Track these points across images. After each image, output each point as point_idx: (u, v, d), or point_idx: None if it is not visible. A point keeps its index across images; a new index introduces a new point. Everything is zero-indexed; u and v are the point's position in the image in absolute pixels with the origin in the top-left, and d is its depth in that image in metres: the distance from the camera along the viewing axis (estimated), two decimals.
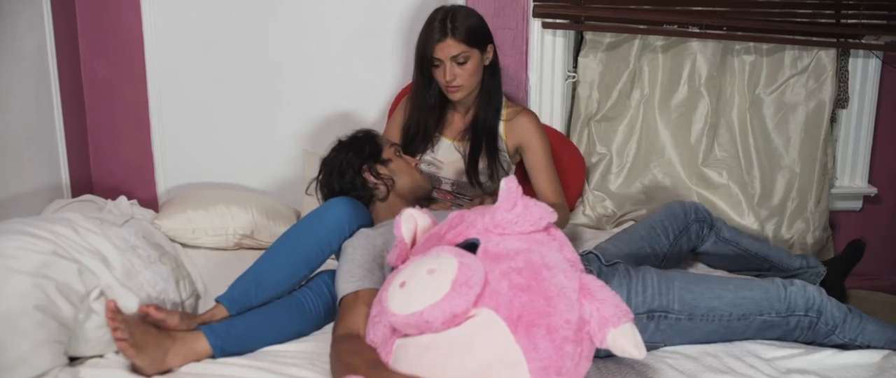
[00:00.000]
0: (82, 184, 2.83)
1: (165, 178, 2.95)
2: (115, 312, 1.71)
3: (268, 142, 2.95)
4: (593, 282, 1.50)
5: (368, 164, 2.27)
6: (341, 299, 1.80)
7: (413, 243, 1.69)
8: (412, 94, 2.54)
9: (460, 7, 2.47)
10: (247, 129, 2.94)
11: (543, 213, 1.56)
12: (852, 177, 3.18)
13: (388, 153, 2.31)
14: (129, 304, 1.77)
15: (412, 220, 1.69)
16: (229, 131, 2.93)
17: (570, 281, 1.48)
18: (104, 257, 1.80)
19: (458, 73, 2.37)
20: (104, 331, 1.74)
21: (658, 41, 2.94)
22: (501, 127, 2.54)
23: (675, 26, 2.90)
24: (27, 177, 2.44)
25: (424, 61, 2.41)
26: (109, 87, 2.88)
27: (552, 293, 1.44)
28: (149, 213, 2.68)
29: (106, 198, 2.68)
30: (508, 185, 1.55)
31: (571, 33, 2.97)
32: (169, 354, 1.75)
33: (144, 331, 1.74)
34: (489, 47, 2.44)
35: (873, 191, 3.15)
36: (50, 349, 1.62)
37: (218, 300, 1.93)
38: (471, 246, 1.55)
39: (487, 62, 2.45)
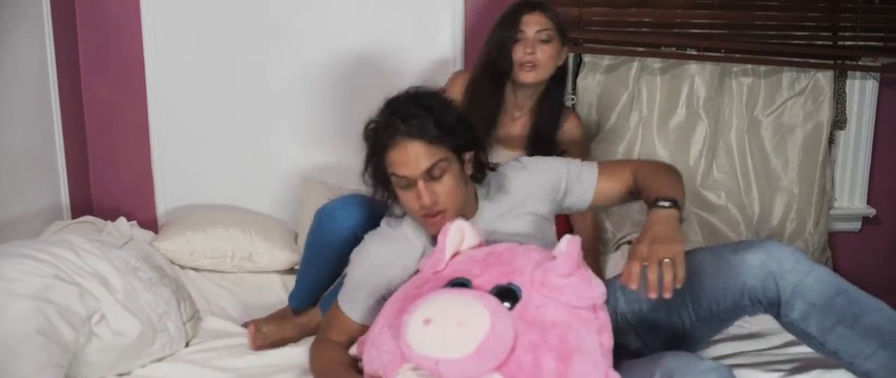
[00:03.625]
0: (82, 205, 2.82)
1: (165, 200, 2.95)
2: (256, 334, 2.00)
3: (267, 164, 2.95)
4: None
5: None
6: (338, 304, 1.85)
7: (454, 254, 1.62)
8: (474, 90, 2.35)
9: None
10: (246, 152, 2.94)
11: (596, 293, 1.48)
12: (851, 198, 3.18)
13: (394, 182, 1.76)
14: (130, 327, 1.77)
15: (460, 234, 1.63)
16: (229, 153, 2.93)
17: (598, 373, 1.39)
18: (105, 280, 1.80)
19: (539, 49, 2.25)
20: (105, 354, 1.75)
21: (656, 63, 2.95)
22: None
23: (673, 49, 2.92)
24: (27, 198, 2.44)
25: (504, 40, 2.27)
26: (110, 109, 2.88)
27: None
28: (148, 234, 2.68)
29: (105, 219, 2.68)
30: (570, 249, 1.48)
31: (570, 55, 2.98)
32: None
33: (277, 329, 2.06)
34: (565, 49, 2.35)
35: (872, 212, 3.16)
36: (50, 373, 1.61)
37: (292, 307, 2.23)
38: (510, 291, 1.47)
39: (560, 62, 2.34)
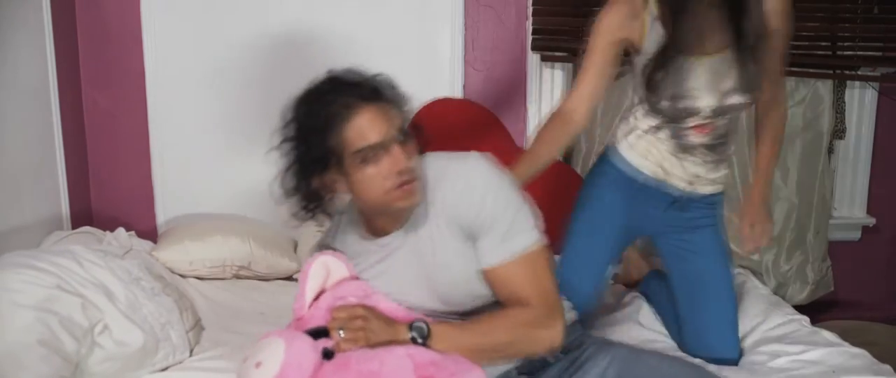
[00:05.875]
0: (82, 215, 2.82)
1: (165, 209, 2.95)
2: None
3: (266, 173, 2.94)
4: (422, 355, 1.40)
5: (313, 176, 1.59)
6: None
7: (320, 293, 1.57)
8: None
9: None
10: (246, 161, 2.93)
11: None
12: (851, 207, 3.19)
13: (351, 163, 1.48)
14: (133, 337, 1.76)
15: (324, 270, 1.57)
16: (229, 162, 2.93)
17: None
18: (108, 290, 1.79)
19: None
20: (107, 365, 1.74)
21: None
22: None
23: None
24: (27, 208, 2.43)
25: None
26: (110, 119, 2.88)
27: None
28: (147, 244, 2.67)
29: (105, 229, 2.67)
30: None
31: (570, 66, 2.99)
32: None
33: None
34: None
35: (872, 221, 3.17)
36: None
37: None
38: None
39: None
